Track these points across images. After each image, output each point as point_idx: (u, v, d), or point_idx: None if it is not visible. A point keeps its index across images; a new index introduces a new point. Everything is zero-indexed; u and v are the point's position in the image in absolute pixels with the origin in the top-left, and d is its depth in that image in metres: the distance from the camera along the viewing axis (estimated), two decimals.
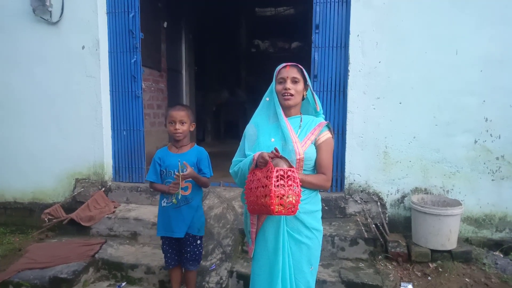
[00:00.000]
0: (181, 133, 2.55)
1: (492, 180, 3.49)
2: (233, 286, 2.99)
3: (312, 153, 2.00)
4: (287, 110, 2.07)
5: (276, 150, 1.82)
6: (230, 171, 2.14)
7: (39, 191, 4.29)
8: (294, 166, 1.91)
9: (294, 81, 2.01)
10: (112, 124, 4.21)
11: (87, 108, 4.08)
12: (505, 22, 3.35)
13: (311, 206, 2.02)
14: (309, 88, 2.10)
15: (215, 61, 8.56)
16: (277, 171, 1.72)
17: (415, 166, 3.58)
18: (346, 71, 3.65)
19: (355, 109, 3.63)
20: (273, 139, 2.02)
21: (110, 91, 4.17)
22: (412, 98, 3.53)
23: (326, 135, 2.04)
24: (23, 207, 4.33)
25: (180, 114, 2.53)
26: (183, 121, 2.54)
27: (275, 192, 1.69)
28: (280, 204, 1.71)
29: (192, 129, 2.64)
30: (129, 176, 4.25)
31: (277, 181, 1.71)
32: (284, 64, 2.07)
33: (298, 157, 1.94)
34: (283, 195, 1.70)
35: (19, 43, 4.16)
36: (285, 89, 2.00)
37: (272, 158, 1.81)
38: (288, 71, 2.03)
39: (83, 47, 4.01)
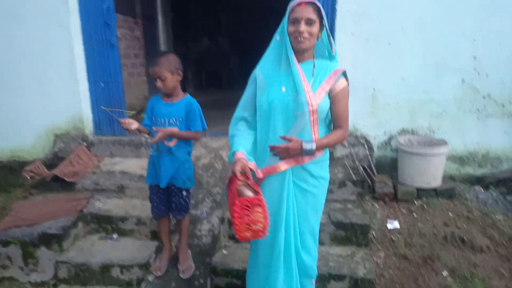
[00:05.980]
0: (163, 89, 2.42)
1: (478, 119, 3.54)
2: (225, 232, 3.03)
3: (326, 105, 1.87)
4: (299, 54, 1.86)
5: (245, 172, 1.76)
6: (229, 129, 2.05)
7: (18, 148, 4.12)
8: (307, 124, 1.84)
9: (309, 22, 1.78)
10: (87, 76, 3.97)
11: (61, 60, 3.81)
12: None
13: (319, 155, 1.94)
14: (324, 29, 1.86)
15: (193, 7, 8.09)
16: (242, 202, 1.65)
17: (402, 108, 3.58)
18: (333, 11, 3.47)
19: (344, 52, 3.48)
20: (284, 88, 1.86)
21: (82, 40, 3.88)
22: (402, 38, 3.44)
23: (343, 83, 1.88)
24: (2, 166, 4.17)
25: (155, 71, 2.36)
26: (161, 77, 2.38)
27: (239, 224, 1.67)
28: (249, 230, 1.69)
29: (180, 77, 2.48)
30: (111, 129, 4.10)
31: (242, 210, 1.66)
32: (299, 1, 1.80)
33: (311, 108, 1.82)
34: (249, 224, 1.68)
35: None
36: (299, 31, 1.78)
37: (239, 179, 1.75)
38: (303, 10, 1.77)
39: None
